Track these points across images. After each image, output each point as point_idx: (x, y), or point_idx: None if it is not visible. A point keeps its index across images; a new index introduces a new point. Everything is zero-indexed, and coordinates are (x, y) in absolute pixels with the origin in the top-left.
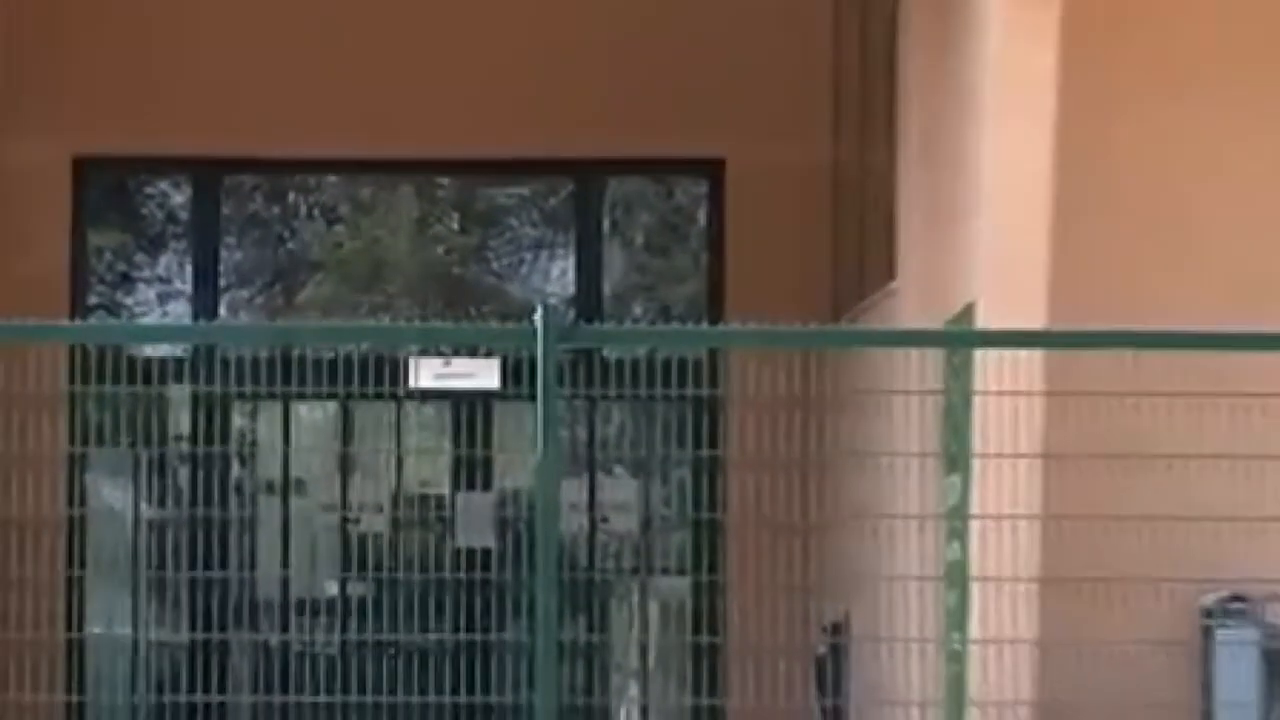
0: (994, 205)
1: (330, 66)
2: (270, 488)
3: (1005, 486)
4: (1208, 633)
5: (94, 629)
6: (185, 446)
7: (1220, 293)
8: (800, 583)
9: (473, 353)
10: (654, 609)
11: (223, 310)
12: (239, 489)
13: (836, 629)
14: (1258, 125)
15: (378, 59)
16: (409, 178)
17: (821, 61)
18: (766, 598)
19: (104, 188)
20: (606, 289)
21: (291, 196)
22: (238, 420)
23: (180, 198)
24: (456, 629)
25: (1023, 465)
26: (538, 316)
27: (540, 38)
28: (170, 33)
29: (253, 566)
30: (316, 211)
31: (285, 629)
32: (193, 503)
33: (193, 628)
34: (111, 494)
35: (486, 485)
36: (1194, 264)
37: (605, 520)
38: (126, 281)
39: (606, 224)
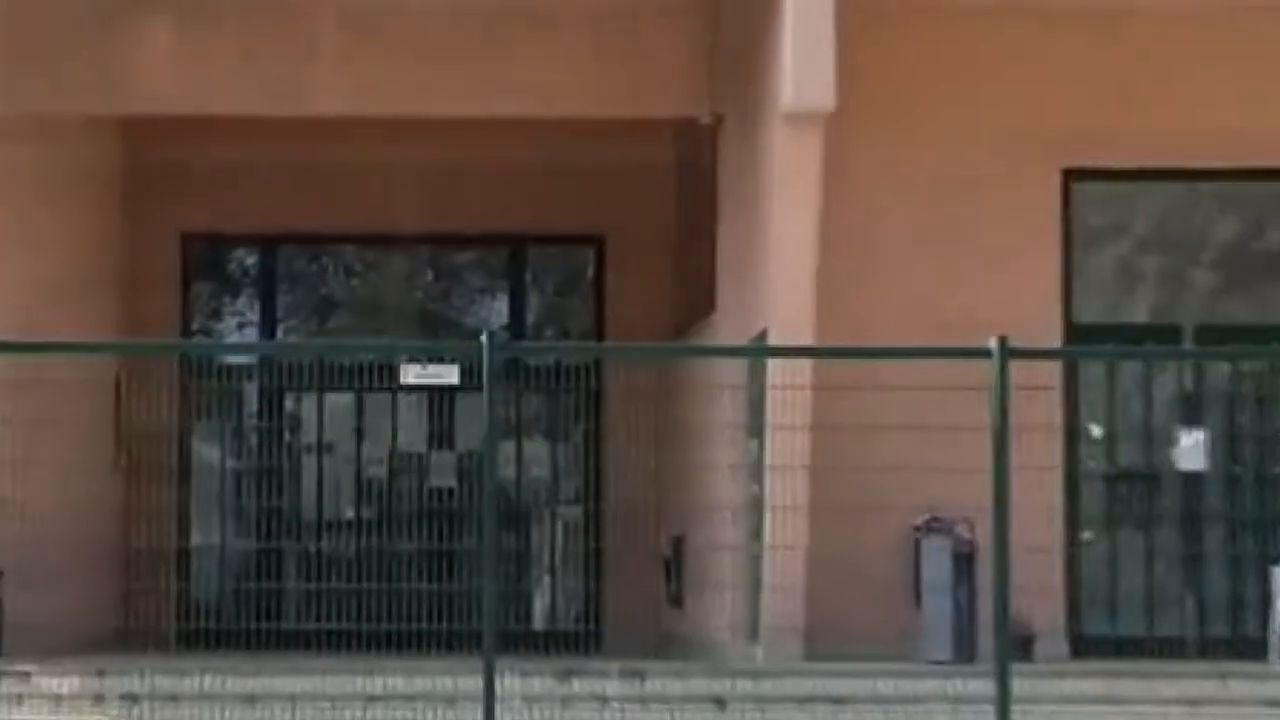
0: (777, 266)
1: (347, 175)
2: (309, 448)
3: (786, 446)
4: (918, 541)
5: (195, 540)
6: (253, 421)
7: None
8: (654, 510)
9: (440, 361)
10: (559, 527)
11: (278, 334)
12: (289, 449)
13: (679, 540)
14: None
15: (381, 169)
16: (399, 247)
17: (668, 173)
18: (632, 520)
19: (200, 253)
20: (529, 318)
21: (323, 259)
22: (288, 405)
23: (250, 259)
24: (430, 539)
25: (797, 432)
26: (483, 337)
27: (487, 159)
28: (242, 152)
29: (297, 499)
30: (339, 268)
31: (319, 539)
32: (259, 458)
33: (258, 539)
34: (207, 452)
35: (450, 446)
36: (894, 303)
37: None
38: (216, 315)
39: (528, 276)
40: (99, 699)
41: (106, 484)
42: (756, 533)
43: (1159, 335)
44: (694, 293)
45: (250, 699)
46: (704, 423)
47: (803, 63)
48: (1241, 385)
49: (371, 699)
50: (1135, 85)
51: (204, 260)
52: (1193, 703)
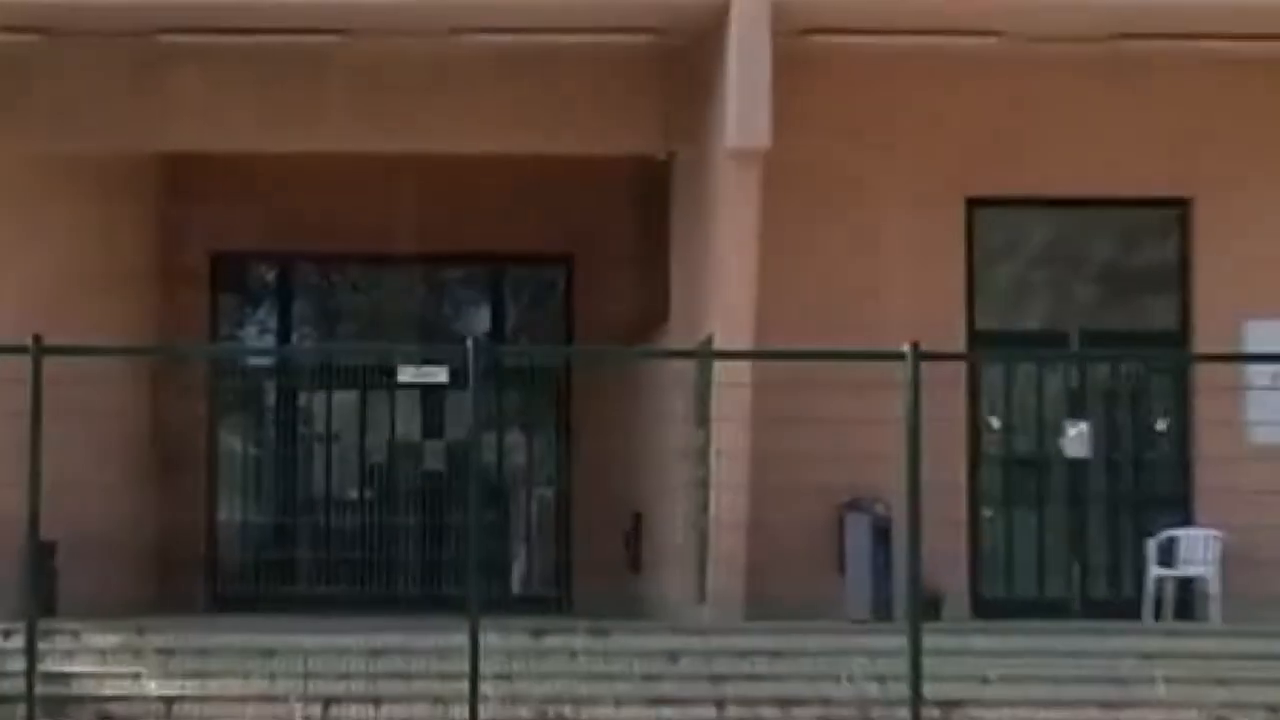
0: (721, 281)
1: (353, 202)
2: (319, 438)
3: (729, 435)
4: (842, 518)
5: (221, 516)
6: (272, 414)
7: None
8: (616, 491)
9: (432, 363)
10: (534, 505)
11: (293, 339)
12: (301, 438)
13: (637, 517)
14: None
15: (381, 197)
16: (397, 265)
17: (629, 201)
18: (596, 499)
19: (227, 271)
20: (508, 326)
21: (331, 275)
22: (302, 400)
23: (269, 275)
24: (422, 515)
25: (738, 423)
26: (468, 342)
27: (471, 188)
28: (262, 182)
29: (309, 481)
30: (346, 284)
31: (327, 516)
32: (275, 446)
33: (276, 514)
34: (231, 440)
35: (440, 436)
36: (823, 311)
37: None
38: (240, 324)
39: (507, 290)
40: (138, 653)
41: (144, 468)
42: (704, 509)
43: (1048, 340)
44: (651, 303)
45: (269, 652)
46: (658, 415)
47: (743, 107)
48: (1119, 384)
49: (373, 652)
50: (1026, 127)
51: (230, 276)
52: (1076, 655)
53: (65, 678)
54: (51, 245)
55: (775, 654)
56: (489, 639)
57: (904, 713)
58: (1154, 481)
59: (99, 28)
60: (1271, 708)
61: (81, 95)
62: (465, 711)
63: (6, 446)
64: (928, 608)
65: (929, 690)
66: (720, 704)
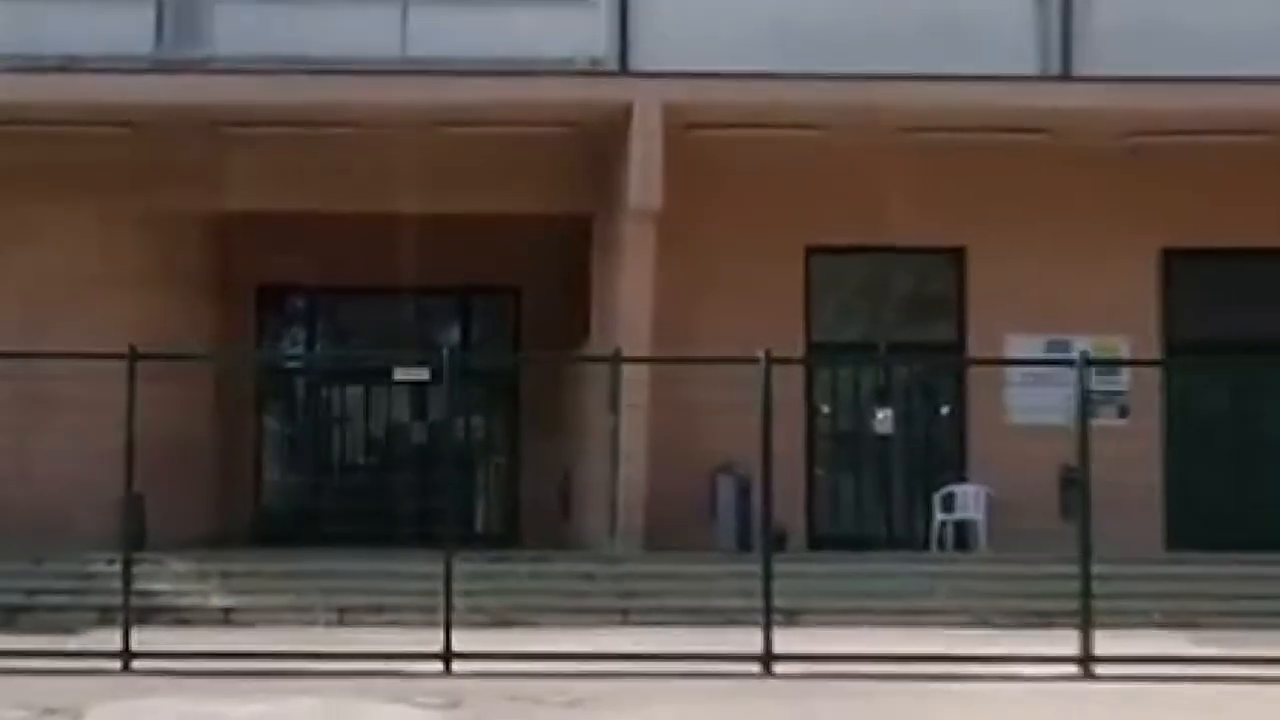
0: (626, 307)
1: (361, 249)
2: (336, 419)
3: (633, 418)
4: (714, 477)
5: (265, 475)
6: (301, 403)
7: (714, 338)
8: (552, 457)
9: (418, 366)
10: (492, 468)
11: (317, 348)
12: (322, 419)
13: (567, 475)
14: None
15: (382, 246)
16: (394, 294)
17: (562, 248)
18: (537, 463)
19: (269, 298)
20: (474, 339)
21: (345, 301)
22: (323, 392)
23: (300, 302)
24: (411, 476)
25: (641, 411)
26: (445, 352)
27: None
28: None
29: (328, 450)
30: (355, 308)
31: (341, 475)
32: (304, 425)
33: (304, 474)
34: (271, 421)
35: (423, 418)
36: (703, 328)
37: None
38: (278, 337)
39: (473, 314)
40: (204, 575)
41: (209, 440)
42: (614, 470)
43: (863, 349)
44: (577, 323)
45: (299, 575)
46: (582, 403)
47: (641, 180)
48: (913, 382)
49: (375, 575)
50: (849, 195)
51: (270, 302)
52: (883, 576)
53: (151, 594)
54: (146, 278)
55: (666, 576)
56: (459, 565)
57: (759, 618)
58: (938, 451)
59: (178, 121)
60: (1019, 612)
61: (163, 169)
62: (442, 617)
63: (107, 426)
64: (776, 542)
65: (777, 602)
66: (625, 612)
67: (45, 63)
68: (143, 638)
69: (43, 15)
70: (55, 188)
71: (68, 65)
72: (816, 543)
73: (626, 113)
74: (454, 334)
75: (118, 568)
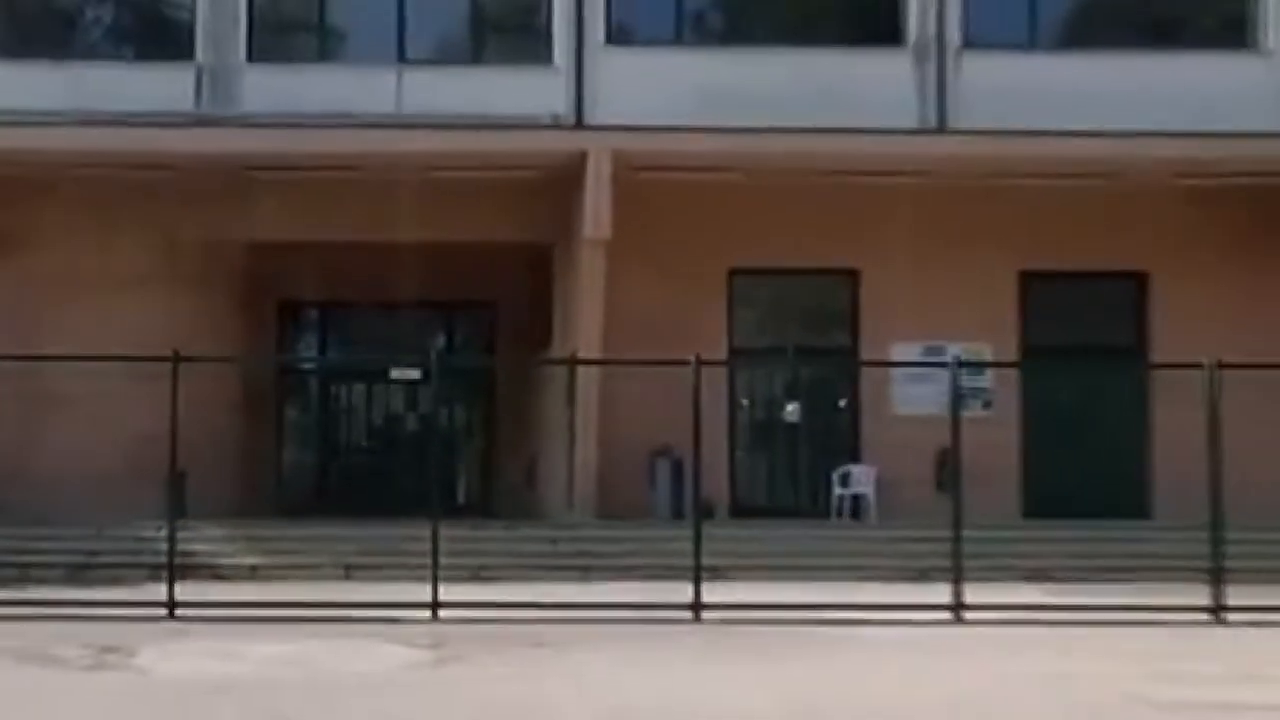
0: (582, 320)
1: (365, 270)
2: (343, 410)
3: (586, 409)
4: (653, 458)
5: (284, 456)
6: (315, 398)
7: (647, 346)
8: (521, 440)
9: (410, 367)
10: (472, 450)
11: (327, 352)
12: (331, 410)
13: (534, 456)
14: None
15: (383, 268)
16: (391, 308)
17: (531, 270)
18: (510, 446)
19: (288, 312)
20: (456, 344)
21: (351, 314)
22: (332, 389)
23: (314, 314)
24: (405, 457)
25: (593, 403)
26: (433, 355)
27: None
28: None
29: (336, 435)
30: (359, 319)
31: (348, 456)
32: (316, 414)
33: (317, 456)
34: (290, 413)
35: (415, 410)
36: (642, 339)
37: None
38: (296, 343)
39: (456, 324)
40: (233, 538)
41: (239, 428)
42: (571, 452)
43: (776, 353)
44: (541, 332)
45: (313, 538)
46: (546, 398)
47: (594, 214)
48: (817, 380)
49: (375, 539)
50: (762, 227)
51: (289, 314)
52: (792, 540)
53: (191, 553)
54: (186, 295)
55: (614, 539)
56: (444, 531)
57: (690, 574)
58: (837, 437)
59: (212, 166)
60: (903, 569)
61: (200, 205)
62: (430, 573)
63: (154, 416)
64: (705, 512)
65: (705, 561)
66: (585, 570)
67: (102, 117)
68: (184, 590)
69: (102, 78)
70: (112, 220)
71: (122, 120)
72: (738, 512)
73: (582, 159)
74: (440, 340)
75: (164, 533)
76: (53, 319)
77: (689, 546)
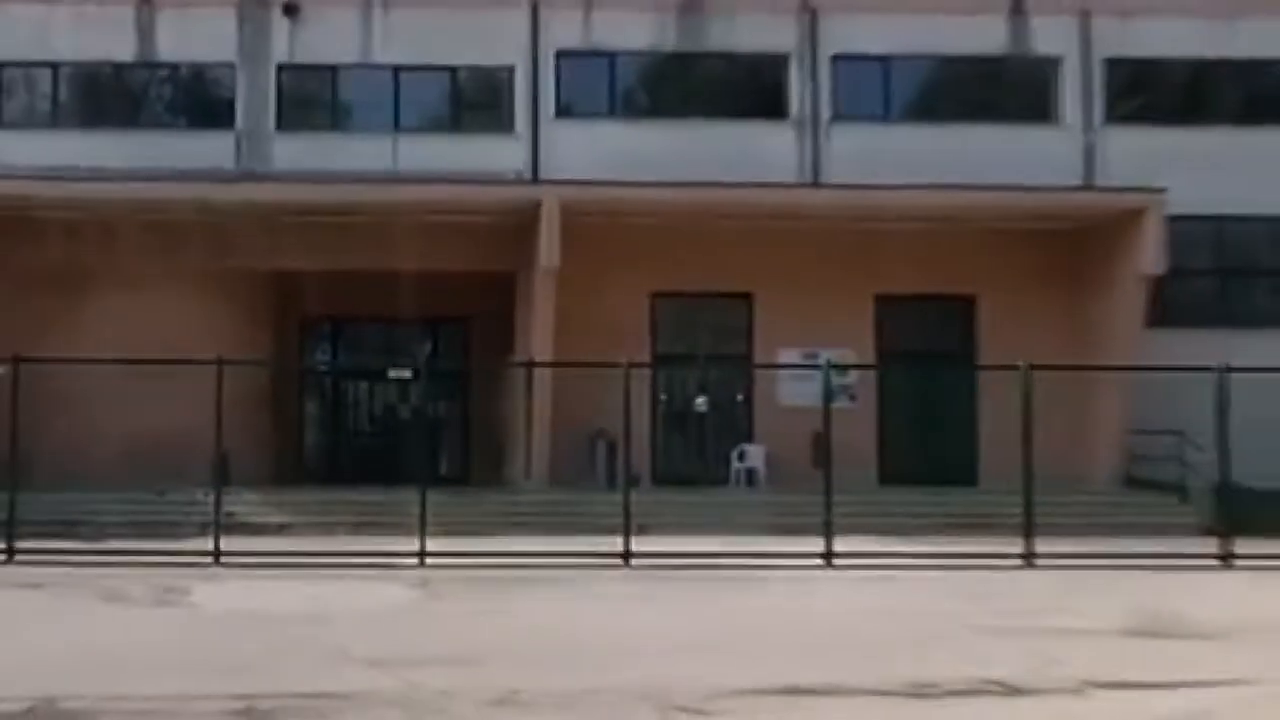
0: (535, 333)
1: (369, 293)
2: (351, 403)
3: (540, 400)
4: (593, 440)
5: (306, 438)
6: (329, 394)
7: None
8: (492, 425)
9: (405, 368)
10: (455, 433)
11: (339, 359)
12: (341, 403)
13: (500, 438)
14: None
15: (384, 290)
16: (390, 322)
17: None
18: (484, 430)
19: (309, 326)
20: (440, 351)
21: (358, 327)
22: (342, 386)
23: (328, 328)
24: (400, 438)
25: (545, 396)
26: (421, 359)
27: (421, 286)
28: (324, 282)
29: (346, 422)
30: (367, 332)
31: (354, 437)
32: (331, 407)
33: (331, 437)
34: (309, 404)
35: (408, 402)
36: (584, 349)
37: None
38: (314, 352)
39: (440, 335)
40: (266, 502)
41: (271, 417)
42: (529, 435)
43: (689, 358)
44: (506, 342)
45: (328, 503)
46: (510, 393)
47: (547, 249)
48: (722, 379)
49: (376, 503)
50: (678, 259)
51: (308, 329)
52: (700, 504)
53: (233, 514)
54: (227, 312)
55: (563, 503)
56: (430, 496)
57: (620, 529)
58: (736, 423)
59: (249, 211)
60: (786, 526)
61: (238, 244)
62: (418, 529)
63: (204, 406)
64: (632, 481)
65: (633, 519)
66: (540, 526)
67: (161, 174)
68: (227, 543)
69: (161, 142)
70: (169, 257)
71: (177, 175)
72: (658, 481)
73: (538, 207)
74: (427, 348)
75: (211, 497)
76: (115, 333)
77: (619, 508)
